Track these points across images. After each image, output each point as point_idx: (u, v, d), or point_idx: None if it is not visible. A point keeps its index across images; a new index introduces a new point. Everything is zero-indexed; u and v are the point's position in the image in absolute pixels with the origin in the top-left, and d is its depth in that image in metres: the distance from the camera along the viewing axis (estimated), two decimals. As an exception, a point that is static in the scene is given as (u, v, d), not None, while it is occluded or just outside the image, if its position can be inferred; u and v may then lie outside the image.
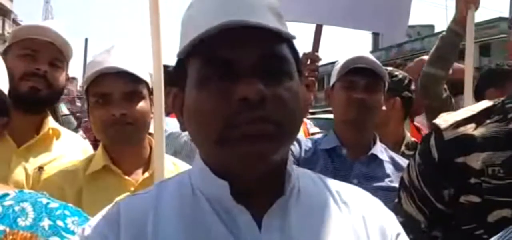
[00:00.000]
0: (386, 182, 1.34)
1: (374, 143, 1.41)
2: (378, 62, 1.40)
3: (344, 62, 1.40)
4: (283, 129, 0.57)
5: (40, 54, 1.28)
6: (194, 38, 0.56)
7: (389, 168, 1.37)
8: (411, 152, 1.64)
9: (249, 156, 0.56)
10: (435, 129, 0.89)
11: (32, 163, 1.28)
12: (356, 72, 1.36)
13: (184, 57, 0.60)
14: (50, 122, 1.36)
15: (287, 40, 0.60)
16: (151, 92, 1.18)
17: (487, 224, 0.82)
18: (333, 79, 1.44)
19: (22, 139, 1.29)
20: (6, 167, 1.24)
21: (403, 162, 1.42)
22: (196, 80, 0.58)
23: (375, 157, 1.37)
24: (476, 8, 1.64)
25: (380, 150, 1.40)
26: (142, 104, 1.16)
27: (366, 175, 1.34)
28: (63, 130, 1.41)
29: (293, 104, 0.58)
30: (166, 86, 1.57)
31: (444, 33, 1.81)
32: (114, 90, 1.13)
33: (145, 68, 1.20)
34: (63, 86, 1.36)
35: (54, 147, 1.34)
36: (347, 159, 1.37)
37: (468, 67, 1.61)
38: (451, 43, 1.77)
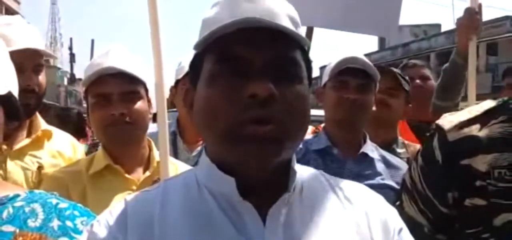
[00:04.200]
0: (378, 180, 1.34)
1: (365, 142, 1.41)
2: (370, 62, 1.41)
3: (336, 62, 1.41)
4: (289, 131, 0.58)
5: (25, 66, 1.28)
6: (210, 32, 0.58)
7: (380, 166, 1.38)
8: (402, 150, 1.66)
9: (253, 156, 0.57)
10: (439, 130, 0.88)
11: (28, 163, 1.31)
12: (348, 73, 1.37)
13: (200, 52, 0.62)
14: (42, 125, 1.39)
15: (301, 45, 0.62)
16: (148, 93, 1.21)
17: (493, 227, 0.82)
18: (325, 78, 1.45)
19: (12, 141, 1.31)
20: (1, 168, 1.26)
21: (394, 160, 1.44)
22: (208, 75, 0.60)
23: (365, 155, 1.38)
24: (477, 36, 1.68)
25: (370, 149, 1.41)
26: (140, 104, 1.19)
27: (358, 174, 1.35)
28: (54, 130, 1.44)
29: (300, 108, 0.59)
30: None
31: (447, 65, 1.85)
32: (113, 90, 1.17)
33: (143, 69, 1.23)
34: (45, 85, 1.37)
35: (46, 147, 1.37)
36: (338, 159, 1.38)
37: (471, 92, 1.61)
38: (455, 74, 1.81)
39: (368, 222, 0.64)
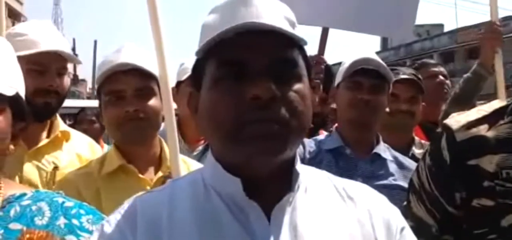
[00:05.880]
0: (390, 181, 1.35)
1: (377, 142, 1.42)
2: (383, 63, 1.41)
3: (350, 62, 1.41)
4: (290, 129, 0.59)
5: (49, 68, 1.31)
6: (210, 39, 0.59)
7: (392, 166, 1.38)
8: (420, 151, 1.66)
9: (257, 155, 0.58)
10: (447, 130, 0.88)
11: (44, 164, 1.32)
12: (362, 73, 1.37)
13: (202, 58, 0.63)
14: (60, 126, 1.40)
15: (299, 45, 0.63)
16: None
17: (500, 228, 0.81)
18: (338, 79, 1.46)
19: (33, 141, 1.32)
20: (18, 168, 1.27)
21: (406, 161, 1.44)
22: (211, 79, 0.61)
23: (378, 156, 1.39)
24: (501, 48, 1.71)
25: (383, 149, 1.41)
26: (153, 101, 1.18)
27: (370, 174, 1.35)
28: (72, 132, 1.45)
29: (301, 106, 0.60)
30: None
31: (469, 75, 1.87)
32: (126, 87, 1.15)
33: (155, 65, 1.21)
34: (68, 88, 1.40)
35: (64, 148, 1.38)
36: (351, 159, 1.38)
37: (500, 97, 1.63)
38: (476, 86, 1.83)
39: (371, 221, 0.65)
